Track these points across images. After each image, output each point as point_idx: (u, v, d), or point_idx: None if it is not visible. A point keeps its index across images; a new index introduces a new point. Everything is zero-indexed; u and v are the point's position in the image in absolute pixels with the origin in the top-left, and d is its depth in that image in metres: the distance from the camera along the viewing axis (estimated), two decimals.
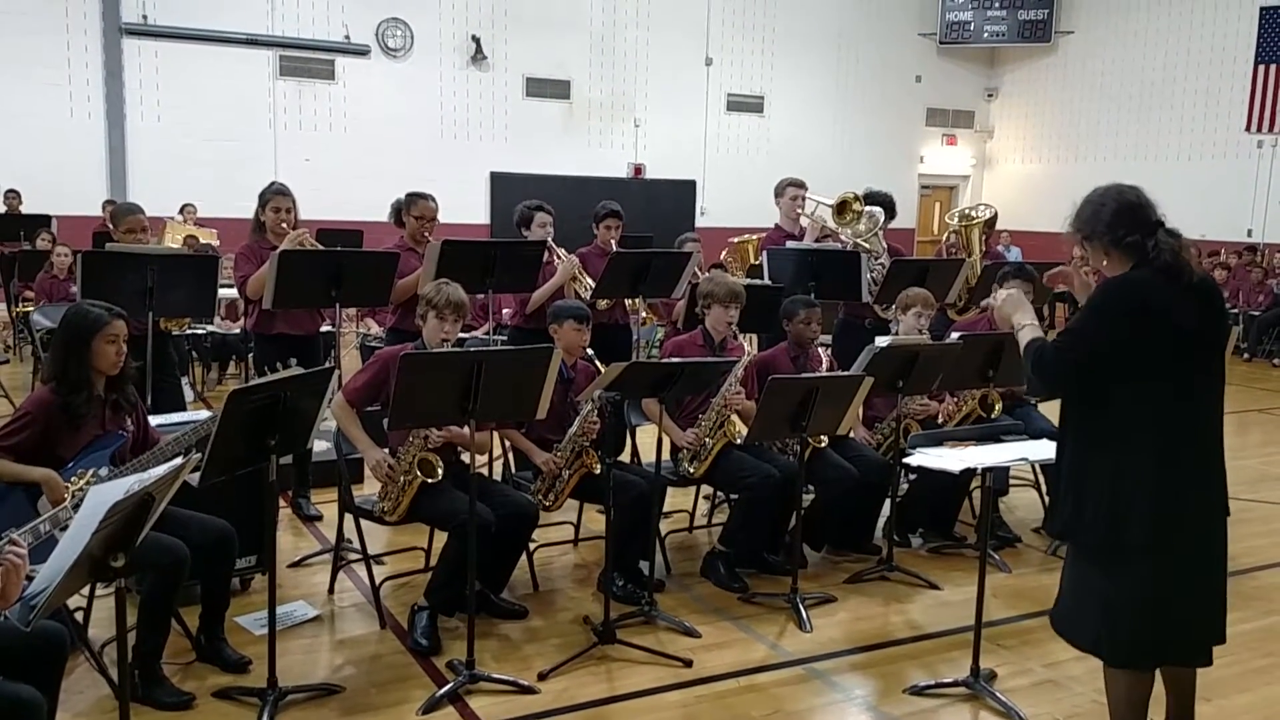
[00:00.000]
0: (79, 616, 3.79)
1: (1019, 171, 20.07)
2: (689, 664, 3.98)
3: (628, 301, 6.18)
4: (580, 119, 17.29)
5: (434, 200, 5.84)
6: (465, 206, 15.33)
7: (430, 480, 4.05)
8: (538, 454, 4.55)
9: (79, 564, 2.27)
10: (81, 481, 3.51)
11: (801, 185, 6.99)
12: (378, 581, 4.44)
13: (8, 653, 2.62)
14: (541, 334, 5.01)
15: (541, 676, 3.82)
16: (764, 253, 6.83)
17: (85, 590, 3.80)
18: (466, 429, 3.73)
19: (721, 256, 9.40)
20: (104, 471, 3.56)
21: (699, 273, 6.32)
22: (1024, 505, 6.06)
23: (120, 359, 3.61)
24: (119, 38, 14.34)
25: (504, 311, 6.69)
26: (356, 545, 4.56)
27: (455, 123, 16.37)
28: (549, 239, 5.98)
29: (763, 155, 18.03)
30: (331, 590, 4.61)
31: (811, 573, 4.98)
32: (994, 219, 7.45)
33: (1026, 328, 3.11)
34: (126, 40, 14.41)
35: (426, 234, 5.69)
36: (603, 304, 6.01)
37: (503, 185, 16.34)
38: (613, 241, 6.23)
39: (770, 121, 18.62)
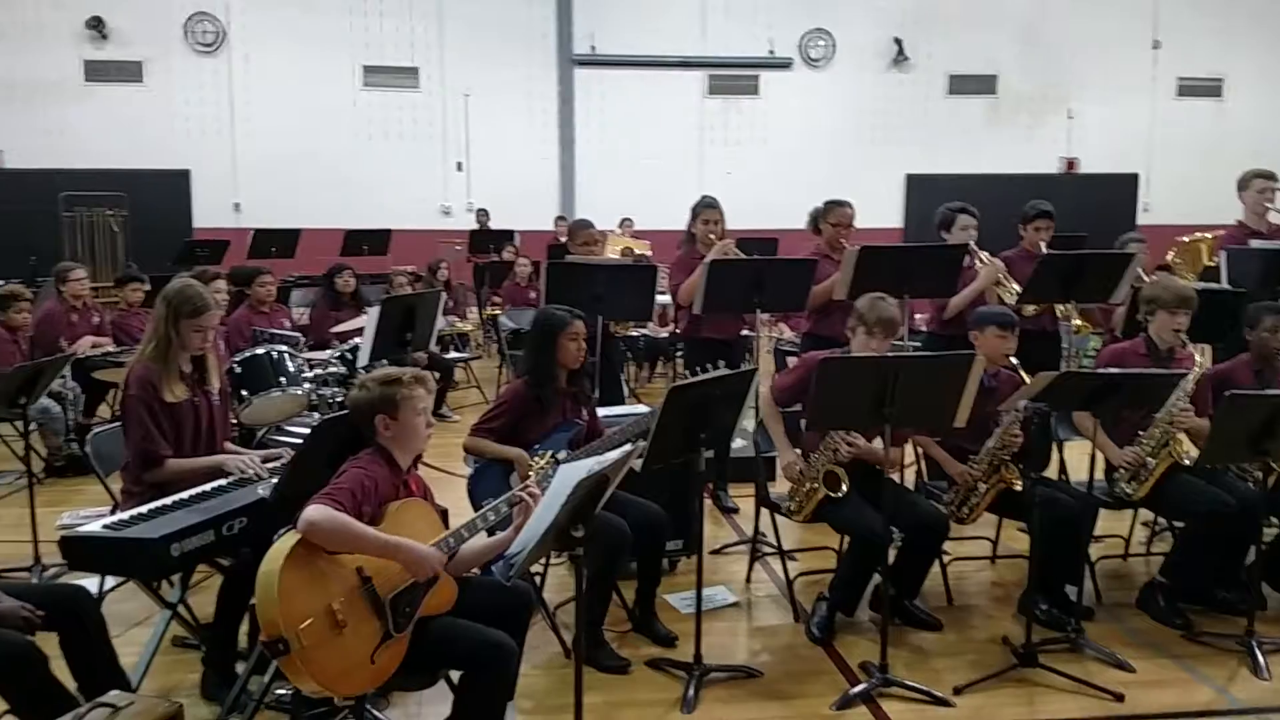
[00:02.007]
0: (536, 580, 4.32)
1: None
2: (1120, 698, 3.71)
3: (1058, 307, 5.83)
4: (1006, 114, 16.52)
5: (851, 207, 5.91)
6: (880, 211, 15.25)
7: (833, 495, 4.11)
8: (953, 465, 4.46)
9: (549, 532, 2.63)
10: (542, 461, 4.02)
11: (1271, 177, 6.19)
12: (791, 576, 4.61)
13: (487, 604, 3.07)
14: (960, 340, 4.89)
15: (957, 691, 3.75)
16: (1221, 253, 6.12)
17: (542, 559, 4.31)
18: (878, 446, 3.75)
19: (1168, 257, 8.49)
20: (562, 454, 4.04)
21: (1142, 276, 5.81)
22: None
23: (581, 355, 4.10)
24: (571, 68, 16.01)
25: (916, 317, 6.59)
26: (772, 539, 4.76)
27: (873, 127, 16.35)
28: (971, 242, 5.81)
29: (1218, 144, 16.03)
30: (748, 579, 4.85)
31: (1273, 614, 4.41)
32: None
33: None
34: (577, 70, 16.05)
35: (843, 240, 5.78)
36: (1029, 310, 5.71)
37: (919, 187, 16.05)
38: (1042, 243, 5.91)
39: (1229, 107, 16.57)
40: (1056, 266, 5.51)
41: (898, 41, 16.14)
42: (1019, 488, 4.22)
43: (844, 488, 4.09)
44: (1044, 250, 5.84)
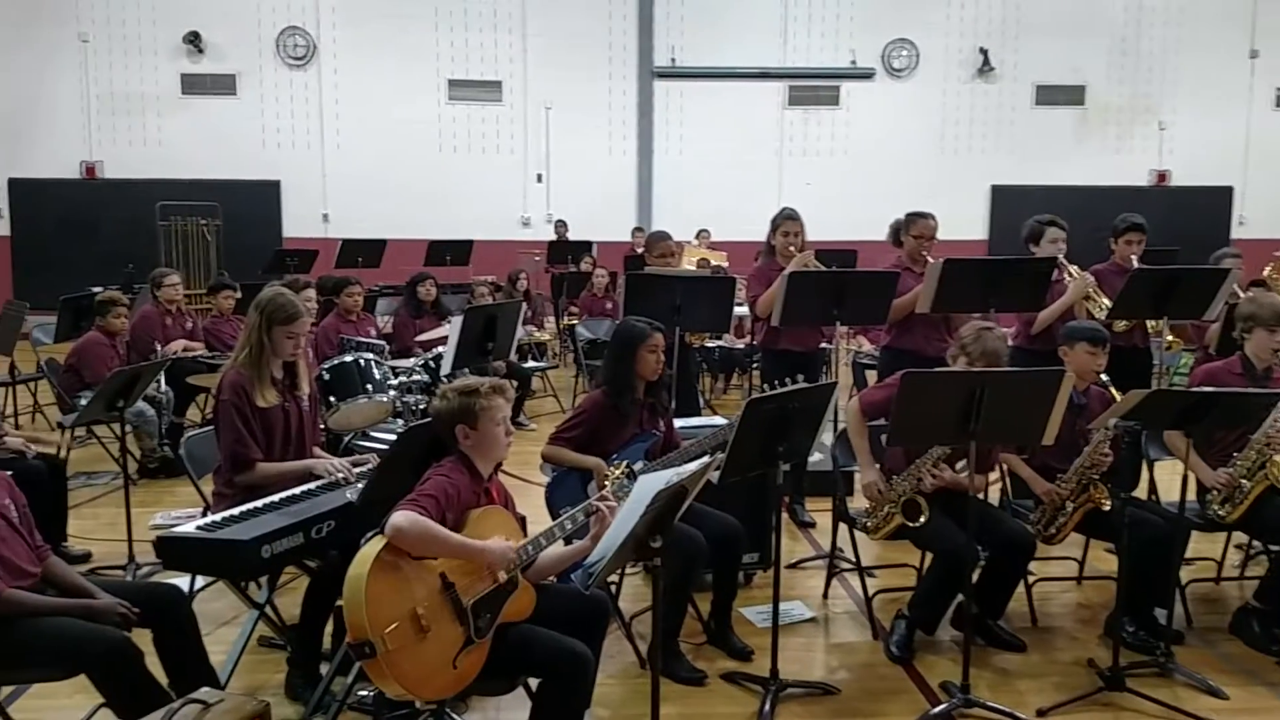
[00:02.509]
0: (611, 589, 4.33)
1: None
2: None
3: (1149, 323, 5.68)
4: (1095, 125, 16.15)
5: (934, 219, 5.83)
6: (964, 222, 15.01)
7: (911, 524, 4.04)
8: (1039, 483, 4.36)
9: (627, 542, 2.64)
10: (618, 471, 4.03)
11: None
12: (870, 593, 4.55)
13: (565, 612, 3.10)
14: (1048, 356, 4.80)
15: (1041, 714, 3.67)
16: None
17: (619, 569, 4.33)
18: (964, 477, 3.68)
19: (1265, 273, 8.21)
20: (638, 465, 4.06)
21: (1238, 292, 5.63)
22: None
23: (659, 367, 4.11)
24: (651, 80, 16.10)
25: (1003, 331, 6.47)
26: (849, 555, 4.71)
27: (956, 138, 16.13)
28: (1060, 255, 5.69)
29: None
30: (825, 595, 4.80)
31: None
32: None
33: None
34: (657, 82, 16.13)
35: (925, 253, 5.70)
36: (1120, 325, 5.57)
37: (1004, 199, 15.78)
38: (1133, 257, 5.77)
39: None
40: (1148, 281, 5.38)
41: (983, 51, 15.90)
42: (1107, 507, 4.11)
43: (922, 519, 4.02)
44: (1135, 264, 5.70)
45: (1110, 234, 5.95)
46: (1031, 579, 4.55)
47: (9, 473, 3.33)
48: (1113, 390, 4.36)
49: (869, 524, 4.24)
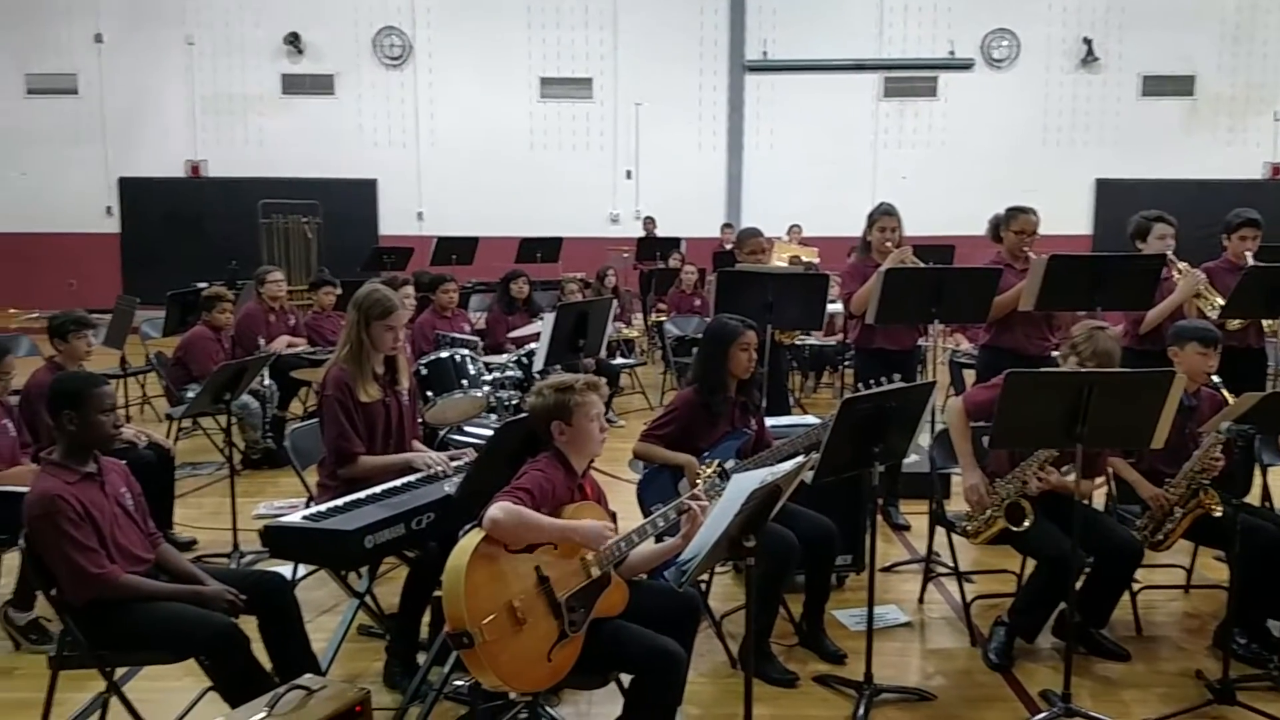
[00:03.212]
0: (701, 588, 4.33)
1: None
2: None
3: (1265, 323, 5.44)
4: (1205, 116, 15.55)
5: (1035, 214, 5.67)
6: (1066, 217, 14.58)
7: (1015, 529, 3.94)
8: (1146, 487, 4.21)
9: (720, 541, 2.63)
10: (710, 470, 4.01)
11: None
12: (968, 598, 4.45)
13: (657, 609, 3.10)
14: (1155, 356, 4.64)
15: None
16: None
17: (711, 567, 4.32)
18: (1071, 480, 3.57)
19: None
20: (730, 463, 4.03)
21: None
22: None
23: (751, 365, 4.09)
24: (742, 74, 16.02)
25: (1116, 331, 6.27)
26: (946, 559, 4.62)
27: (1059, 130, 15.72)
28: (1169, 252, 5.48)
29: None
30: (921, 599, 4.72)
31: None
32: None
33: None
34: (748, 76, 16.04)
35: (1026, 249, 5.55)
36: (1233, 325, 5.35)
37: (1109, 193, 15.32)
38: (1248, 254, 5.53)
39: None
40: (1263, 279, 5.17)
41: (1087, 41, 15.44)
42: (1218, 514, 3.95)
43: (1026, 523, 3.91)
44: (1250, 261, 5.46)
45: (1222, 230, 5.71)
46: (1136, 586, 4.40)
47: (123, 462, 3.47)
48: (1225, 392, 4.19)
49: (969, 527, 4.15)
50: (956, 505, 4.90)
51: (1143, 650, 4.19)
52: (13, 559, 4.34)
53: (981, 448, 4.18)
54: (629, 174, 16.47)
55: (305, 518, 3.35)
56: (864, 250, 5.78)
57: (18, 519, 3.15)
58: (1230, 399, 4.04)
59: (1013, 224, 5.66)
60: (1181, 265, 5.49)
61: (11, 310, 16.16)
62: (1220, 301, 5.31)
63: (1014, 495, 3.96)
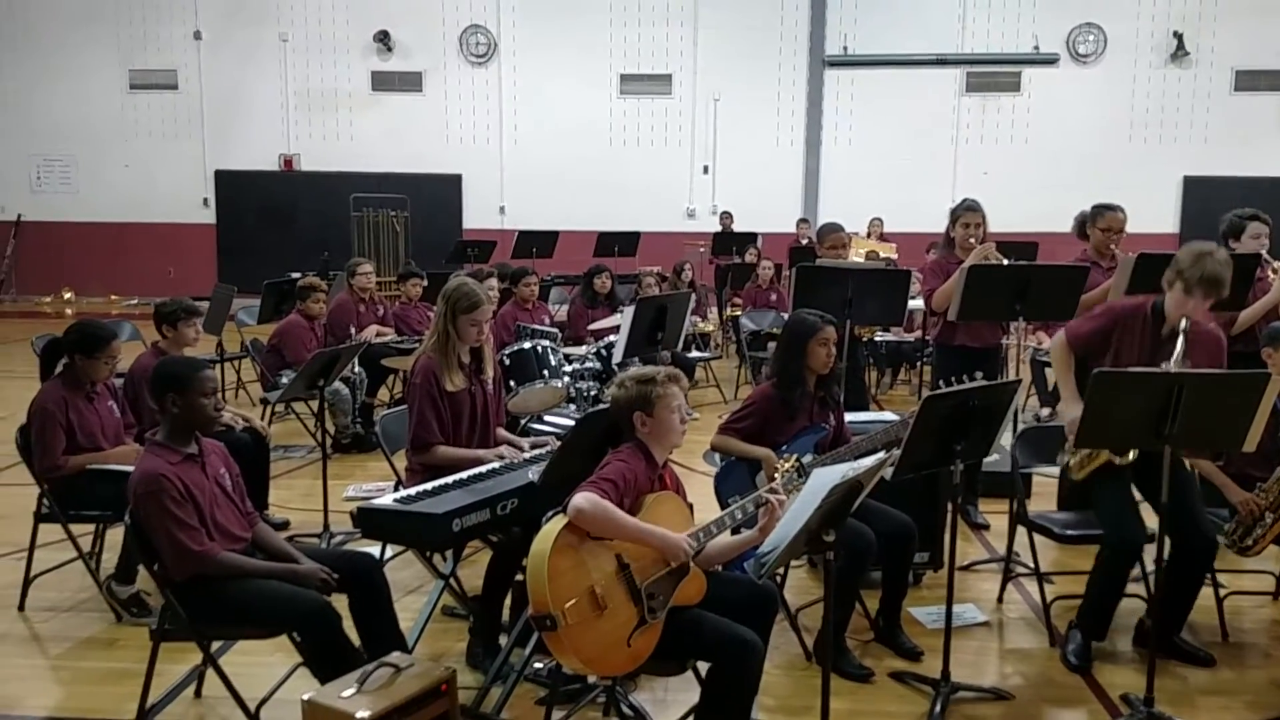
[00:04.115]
0: (777, 580, 4.35)
1: None
2: None
3: None
4: None
5: (1122, 211, 5.58)
6: (1152, 215, 14.22)
7: (1118, 460, 3.84)
8: (1237, 492, 4.12)
9: (800, 534, 2.67)
10: (788, 464, 4.04)
11: None
12: (1048, 599, 4.41)
13: (735, 599, 3.14)
14: (1249, 358, 4.52)
15: None
16: None
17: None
18: None
19: None
20: (808, 458, 4.06)
21: None
22: None
23: (830, 360, 4.10)
24: (821, 69, 15.92)
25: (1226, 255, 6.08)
26: (1026, 559, 4.58)
27: (1146, 126, 15.29)
28: (1263, 252, 5.34)
29: None
30: (1000, 599, 4.67)
31: None
32: None
33: None
34: (828, 71, 15.93)
35: (1113, 246, 5.46)
36: None
37: (1198, 190, 14.86)
38: None
39: None
40: None
41: (1177, 35, 14.98)
42: None
43: (1132, 455, 3.79)
44: None
45: None
46: (1223, 592, 4.31)
47: (222, 444, 3.63)
48: None
49: (1071, 461, 4.05)
50: (1038, 505, 4.86)
51: (1228, 656, 4.11)
52: (116, 534, 4.56)
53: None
54: (706, 169, 16.48)
55: (396, 500, 3.47)
56: (946, 246, 5.74)
57: (122, 496, 3.29)
58: None
59: (1099, 221, 5.57)
60: (1276, 265, 5.34)
61: (113, 297, 16.84)
62: None
63: None
